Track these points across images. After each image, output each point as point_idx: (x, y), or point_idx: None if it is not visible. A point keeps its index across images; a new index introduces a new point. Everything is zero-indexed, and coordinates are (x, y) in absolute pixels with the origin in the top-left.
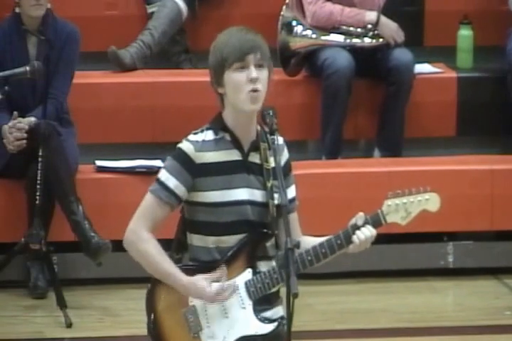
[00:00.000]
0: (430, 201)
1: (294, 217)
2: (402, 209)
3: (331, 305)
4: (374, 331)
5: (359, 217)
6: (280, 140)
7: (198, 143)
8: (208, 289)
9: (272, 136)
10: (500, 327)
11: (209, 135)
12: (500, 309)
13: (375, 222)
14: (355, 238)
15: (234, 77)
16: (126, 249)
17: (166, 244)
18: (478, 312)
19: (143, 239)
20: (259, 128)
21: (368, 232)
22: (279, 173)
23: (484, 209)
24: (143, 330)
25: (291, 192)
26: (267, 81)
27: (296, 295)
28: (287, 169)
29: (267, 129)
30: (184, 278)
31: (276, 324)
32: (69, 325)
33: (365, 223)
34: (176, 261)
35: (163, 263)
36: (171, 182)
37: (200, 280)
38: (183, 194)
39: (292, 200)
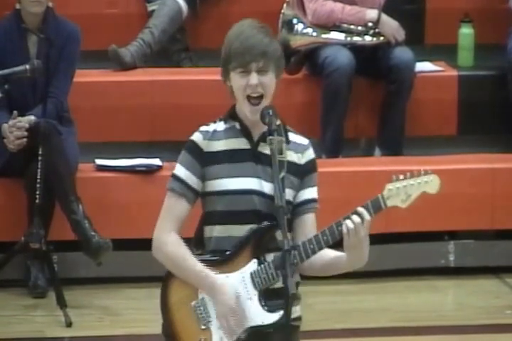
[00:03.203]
0: (430, 183)
1: (309, 219)
2: (403, 192)
3: (330, 304)
4: (374, 330)
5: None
6: (305, 141)
7: (207, 133)
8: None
9: (271, 136)
10: (500, 326)
11: (220, 125)
12: (501, 308)
13: (375, 206)
14: (343, 227)
15: (235, 80)
16: (156, 258)
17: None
18: (479, 312)
19: (167, 242)
20: (277, 122)
21: (350, 224)
22: (275, 173)
23: (485, 208)
24: (143, 329)
25: (310, 193)
26: (273, 83)
27: (294, 296)
28: (309, 169)
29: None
30: (217, 278)
31: (281, 313)
32: (69, 325)
33: (354, 213)
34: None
35: (191, 263)
36: (182, 172)
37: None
38: (196, 184)
39: (309, 201)
